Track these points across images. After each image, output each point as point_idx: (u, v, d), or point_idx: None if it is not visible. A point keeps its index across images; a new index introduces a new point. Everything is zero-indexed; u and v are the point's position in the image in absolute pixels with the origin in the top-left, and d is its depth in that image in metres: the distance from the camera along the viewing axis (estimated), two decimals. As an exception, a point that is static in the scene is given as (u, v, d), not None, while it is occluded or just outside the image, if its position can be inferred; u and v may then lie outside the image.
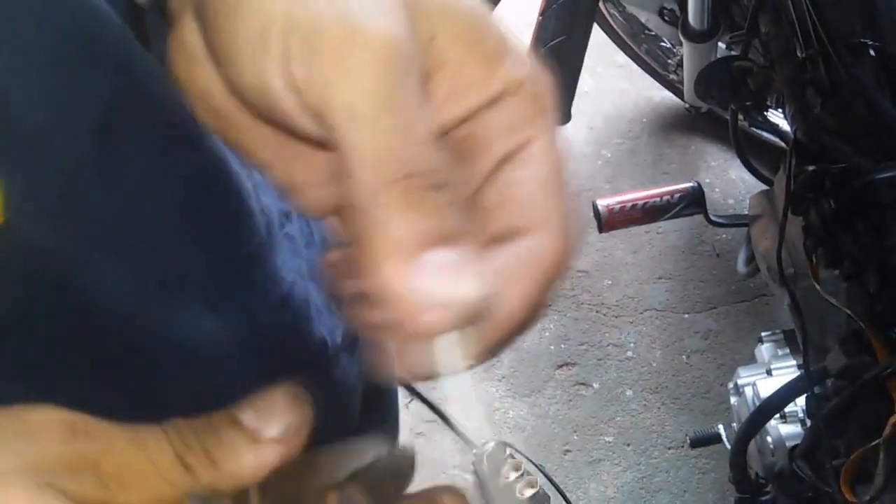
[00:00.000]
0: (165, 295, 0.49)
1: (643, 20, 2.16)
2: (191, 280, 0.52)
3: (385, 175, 0.27)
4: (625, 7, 2.14)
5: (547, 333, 2.12)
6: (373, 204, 0.27)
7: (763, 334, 1.42)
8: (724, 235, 2.21)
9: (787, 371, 1.33)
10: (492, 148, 0.32)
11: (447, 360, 0.29)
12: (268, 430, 0.29)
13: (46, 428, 0.28)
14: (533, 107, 0.32)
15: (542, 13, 1.66)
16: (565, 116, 1.78)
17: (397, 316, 0.27)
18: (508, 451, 1.90)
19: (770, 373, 1.34)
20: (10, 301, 0.41)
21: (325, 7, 0.28)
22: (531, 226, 0.32)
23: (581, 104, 2.29)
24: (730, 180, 2.32)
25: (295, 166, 0.34)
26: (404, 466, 0.31)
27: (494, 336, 0.31)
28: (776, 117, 1.54)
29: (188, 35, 0.32)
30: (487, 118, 0.32)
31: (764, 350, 1.40)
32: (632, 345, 2.09)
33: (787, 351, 1.37)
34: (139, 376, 0.49)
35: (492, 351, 0.32)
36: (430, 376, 0.31)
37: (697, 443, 1.53)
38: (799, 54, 1.16)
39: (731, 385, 1.42)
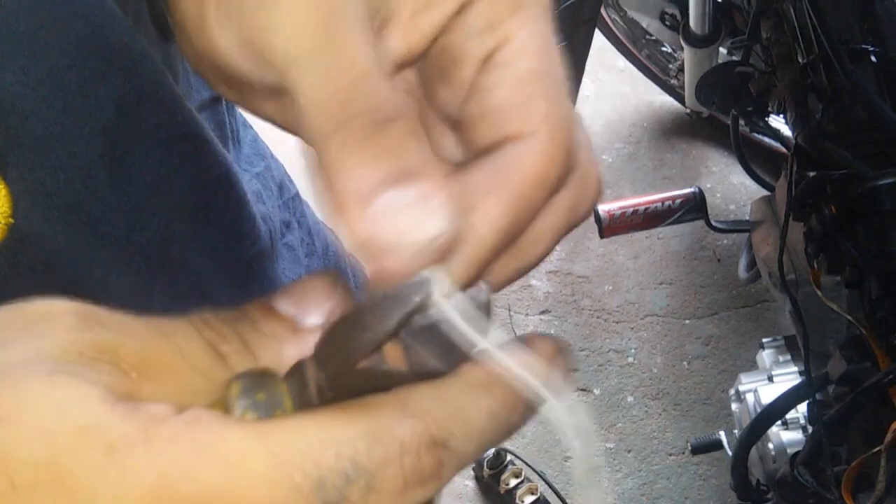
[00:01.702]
0: (172, 297, 0.49)
1: (644, 25, 2.16)
2: (197, 283, 0.52)
3: (330, 119, 0.26)
4: (626, 12, 2.14)
5: (548, 339, 2.11)
6: (324, 150, 0.26)
7: (764, 340, 1.42)
8: (724, 241, 2.20)
9: (788, 377, 1.33)
10: (468, 54, 0.30)
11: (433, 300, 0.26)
12: (308, 317, 0.27)
13: (52, 317, 0.25)
14: (507, 1, 0.29)
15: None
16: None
17: (366, 263, 0.26)
18: (509, 457, 1.90)
19: (771, 379, 1.34)
20: (19, 302, 0.41)
21: None
22: (510, 132, 0.28)
23: (582, 109, 2.29)
24: (731, 186, 2.31)
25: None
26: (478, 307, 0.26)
27: (473, 262, 0.28)
28: (777, 123, 1.53)
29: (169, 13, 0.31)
30: (461, 23, 0.29)
31: (765, 356, 1.40)
32: (633, 350, 2.09)
33: (789, 357, 1.37)
34: None
35: (478, 277, 0.29)
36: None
37: (698, 449, 1.53)
38: (800, 60, 1.16)
39: (732, 391, 1.41)
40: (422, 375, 0.26)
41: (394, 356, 0.26)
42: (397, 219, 0.25)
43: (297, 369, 0.26)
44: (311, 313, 0.27)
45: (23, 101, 0.37)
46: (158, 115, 0.45)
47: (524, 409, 0.26)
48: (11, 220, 0.38)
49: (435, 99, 0.32)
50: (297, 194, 0.71)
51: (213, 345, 0.26)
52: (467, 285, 0.27)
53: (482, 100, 0.29)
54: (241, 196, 0.55)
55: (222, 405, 0.25)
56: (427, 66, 0.32)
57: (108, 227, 0.43)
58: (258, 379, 0.25)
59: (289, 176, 0.71)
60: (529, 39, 0.29)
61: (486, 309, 0.26)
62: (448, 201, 0.26)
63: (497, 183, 0.28)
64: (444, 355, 0.26)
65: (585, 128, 0.32)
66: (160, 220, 0.47)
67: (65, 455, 0.21)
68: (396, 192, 0.25)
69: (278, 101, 0.31)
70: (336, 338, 0.26)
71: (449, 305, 0.26)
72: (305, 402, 0.25)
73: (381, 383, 0.25)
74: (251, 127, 0.69)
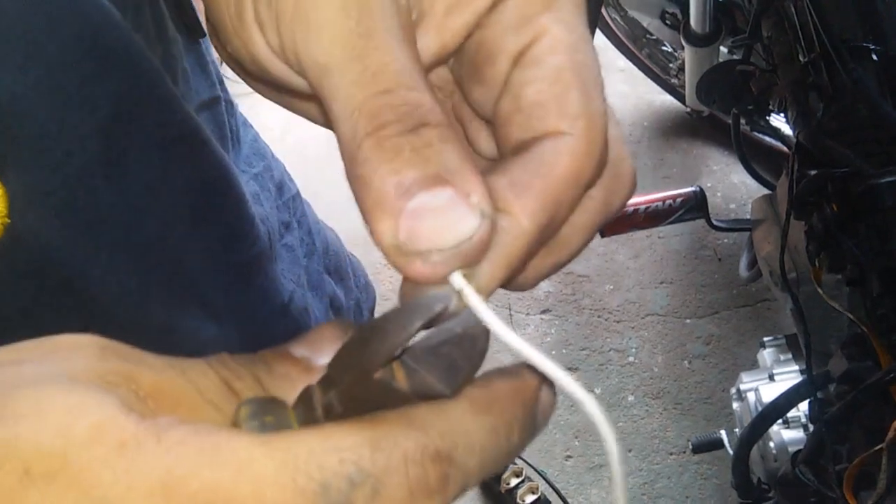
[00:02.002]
0: (169, 298, 0.49)
1: (645, 24, 2.16)
2: (194, 284, 0.52)
3: (363, 126, 0.26)
4: (626, 11, 2.14)
5: (548, 339, 2.11)
6: (357, 156, 0.26)
7: (765, 339, 1.42)
8: (725, 240, 2.20)
9: (789, 376, 1.33)
10: (502, 50, 0.29)
11: (468, 301, 0.27)
12: (319, 358, 0.28)
13: (77, 347, 0.25)
14: None
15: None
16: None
17: (398, 266, 0.26)
18: (510, 456, 1.90)
19: (772, 378, 1.34)
20: (16, 300, 0.41)
21: None
22: (546, 130, 0.28)
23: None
24: (731, 185, 2.31)
25: None
26: (475, 335, 0.27)
27: (507, 262, 0.28)
28: (778, 122, 1.53)
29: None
30: (494, 19, 0.29)
31: (766, 355, 1.40)
32: (633, 350, 2.09)
33: (790, 356, 1.37)
34: None
35: (518, 279, 0.29)
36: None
37: (699, 448, 1.53)
38: (801, 58, 1.16)
39: (733, 390, 1.41)
40: (424, 397, 0.26)
41: (399, 377, 0.26)
42: (429, 222, 0.25)
43: (305, 395, 0.26)
44: (321, 355, 0.28)
45: (20, 100, 0.37)
46: (155, 115, 0.45)
47: (524, 429, 0.27)
48: (8, 220, 0.38)
49: (469, 95, 0.32)
50: (297, 194, 0.71)
51: (227, 382, 0.26)
52: (503, 285, 0.28)
53: (517, 96, 0.29)
54: (240, 197, 0.55)
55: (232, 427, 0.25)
56: (461, 63, 0.32)
57: (105, 228, 0.43)
58: (266, 404, 0.25)
59: (288, 175, 0.71)
60: (563, 34, 0.29)
61: (482, 339, 0.27)
62: (481, 203, 0.26)
63: (532, 182, 0.28)
64: (445, 378, 0.26)
65: (618, 122, 0.32)
66: (157, 221, 0.47)
67: (78, 449, 0.22)
68: (428, 195, 0.25)
69: (315, 102, 0.31)
70: (352, 350, 0.26)
71: (481, 302, 0.26)
72: (312, 424, 0.26)
73: (387, 402, 0.26)
74: (251, 127, 0.69)
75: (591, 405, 0.27)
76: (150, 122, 0.44)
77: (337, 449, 0.23)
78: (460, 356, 0.26)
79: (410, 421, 0.25)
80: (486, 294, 0.27)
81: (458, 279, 0.27)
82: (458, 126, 0.29)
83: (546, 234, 0.28)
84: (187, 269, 0.51)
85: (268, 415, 0.25)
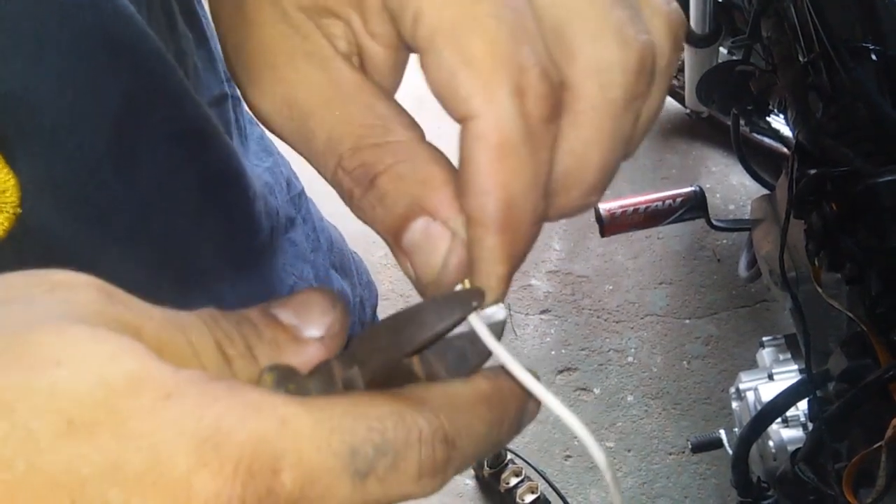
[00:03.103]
0: (179, 291, 0.49)
1: (644, 26, 2.16)
2: (202, 276, 0.52)
3: (342, 196, 0.31)
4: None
5: (548, 339, 2.12)
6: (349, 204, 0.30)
7: (764, 339, 1.42)
8: (724, 241, 2.21)
9: (788, 375, 1.33)
10: (402, 26, 0.29)
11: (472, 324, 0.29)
12: (309, 329, 0.28)
13: (74, 287, 0.25)
14: None
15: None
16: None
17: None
18: (509, 456, 1.90)
19: (771, 377, 1.34)
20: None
21: None
22: (457, 115, 0.28)
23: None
24: (730, 186, 2.32)
25: None
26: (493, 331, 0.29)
27: (496, 262, 0.29)
28: (777, 123, 1.54)
29: None
30: None
31: (765, 355, 1.40)
32: (633, 350, 2.09)
33: (789, 355, 1.37)
34: None
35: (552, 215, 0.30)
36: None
37: (698, 448, 1.53)
38: (801, 58, 1.16)
39: (732, 390, 1.42)
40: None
41: (416, 363, 0.28)
42: (416, 258, 0.29)
43: (324, 368, 0.27)
44: (311, 326, 0.28)
45: (32, 91, 0.37)
46: (167, 108, 0.45)
47: (512, 427, 0.29)
48: (19, 210, 0.38)
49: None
50: (303, 191, 0.72)
51: (221, 346, 0.26)
52: (500, 290, 0.29)
53: (428, 80, 0.28)
54: (245, 190, 0.55)
55: None
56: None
57: (116, 220, 0.44)
58: (287, 372, 0.26)
59: (294, 173, 0.72)
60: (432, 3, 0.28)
61: (501, 326, 0.29)
62: (449, 220, 0.28)
63: (469, 183, 0.28)
64: (455, 370, 0.28)
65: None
66: (167, 213, 0.47)
67: (121, 398, 0.21)
68: (409, 232, 0.29)
69: None
70: (385, 334, 0.28)
71: (482, 323, 0.28)
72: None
73: (403, 385, 0.27)
74: (257, 125, 0.69)
75: (581, 431, 0.28)
76: (161, 115, 0.45)
77: (366, 417, 0.24)
78: (472, 350, 0.28)
79: (426, 403, 0.26)
80: (502, 290, 0.29)
81: (471, 290, 0.29)
82: (413, 147, 0.29)
83: (515, 215, 0.28)
84: (196, 261, 0.51)
85: (290, 383, 0.26)
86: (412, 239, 0.29)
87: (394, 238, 0.29)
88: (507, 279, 0.29)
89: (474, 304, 0.28)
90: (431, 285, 0.29)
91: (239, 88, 0.33)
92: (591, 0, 0.29)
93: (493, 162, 0.27)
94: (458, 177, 0.28)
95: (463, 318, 0.28)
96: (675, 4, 0.31)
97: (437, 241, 0.28)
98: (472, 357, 0.28)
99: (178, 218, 0.48)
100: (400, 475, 0.24)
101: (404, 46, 0.31)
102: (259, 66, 0.31)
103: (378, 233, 0.30)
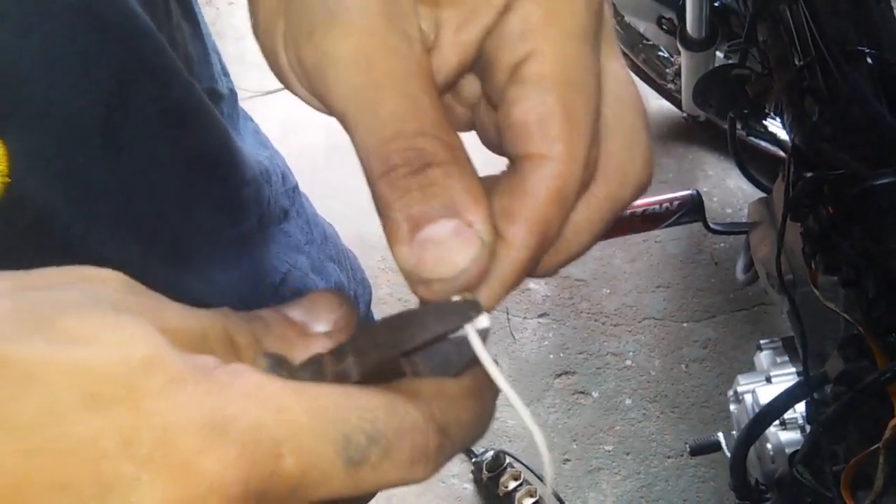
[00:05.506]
0: (170, 270, 0.50)
1: (641, 30, 2.17)
2: (192, 256, 0.53)
3: (374, 169, 0.29)
4: (623, 16, 2.15)
5: (546, 342, 2.12)
6: (372, 193, 0.30)
7: (762, 342, 1.42)
8: (721, 244, 2.21)
9: (786, 378, 1.33)
10: (500, 62, 0.31)
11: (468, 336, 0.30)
12: (316, 325, 0.30)
13: (105, 279, 0.27)
14: (539, 13, 0.30)
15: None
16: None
17: (411, 288, 0.30)
18: (508, 459, 1.90)
19: (769, 380, 1.34)
20: (14, 261, 0.42)
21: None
22: (527, 151, 0.31)
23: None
24: (727, 189, 2.32)
25: None
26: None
27: (504, 283, 0.31)
28: (773, 126, 1.54)
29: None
30: (499, 31, 0.31)
31: (763, 358, 1.40)
32: (631, 353, 2.09)
33: (786, 358, 1.37)
34: None
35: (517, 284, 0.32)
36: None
37: (697, 451, 1.53)
38: (797, 62, 1.17)
39: (730, 393, 1.42)
40: None
41: (404, 361, 0.30)
42: (432, 252, 0.29)
43: (314, 360, 0.29)
44: (318, 322, 0.30)
45: (21, 63, 0.38)
46: (156, 87, 0.46)
47: (489, 419, 0.31)
48: (8, 180, 0.39)
49: (488, 96, 0.34)
50: (297, 186, 0.72)
51: (231, 337, 0.28)
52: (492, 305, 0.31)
53: (507, 113, 0.31)
54: (236, 174, 0.56)
55: None
56: (480, 69, 0.34)
57: (105, 197, 0.45)
58: (280, 360, 0.28)
59: (288, 168, 0.72)
60: (555, 52, 0.30)
61: (485, 333, 0.30)
62: (482, 231, 0.29)
63: (520, 210, 0.30)
64: (439, 372, 0.30)
65: (643, 112, 0.35)
66: (156, 191, 0.48)
67: (139, 378, 0.23)
68: (434, 227, 0.29)
69: None
70: (385, 331, 0.29)
71: (475, 332, 0.30)
72: None
73: (392, 380, 0.29)
74: (251, 120, 0.70)
75: (528, 419, 0.30)
76: (151, 92, 0.45)
77: (358, 407, 0.25)
78: (456, 354, 0.30)
79: (419, 395, 0.28)
80: (489, 308, 0.31)
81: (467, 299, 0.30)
82: (464, 156, 0.31)
83: (538, 253, 0.31)
84: (186, 241, 0.52)
85: (283, 370, 0.27)
86: (437, 233, 0.29)
87: (414, 224, 0.29)
88: (504, 297, 0.31)
89: (472, 314, 0.29)
90: (436, 282, 0.29)
91: (285, 39, 0.32)
92: (636, 120, 0.35)
93: (551, 203, 0.30)
94: (505, 198, 0.31)
95: (461, 326, 0.29)
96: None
97: (466, 243, 0.29)
98: (455, 361, 0.30)
99: (165, 196, 0.50)
100: (393, 462, 0.25)
101: (469, 66, 0.32)
102: (333, 13, 0.30)
103: (391, 209, 0.29)
